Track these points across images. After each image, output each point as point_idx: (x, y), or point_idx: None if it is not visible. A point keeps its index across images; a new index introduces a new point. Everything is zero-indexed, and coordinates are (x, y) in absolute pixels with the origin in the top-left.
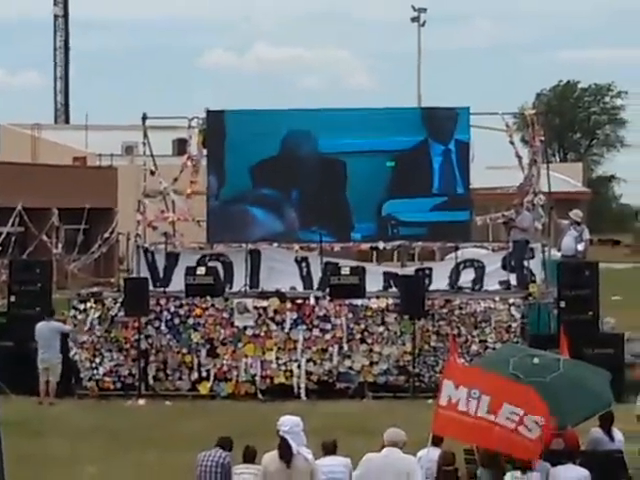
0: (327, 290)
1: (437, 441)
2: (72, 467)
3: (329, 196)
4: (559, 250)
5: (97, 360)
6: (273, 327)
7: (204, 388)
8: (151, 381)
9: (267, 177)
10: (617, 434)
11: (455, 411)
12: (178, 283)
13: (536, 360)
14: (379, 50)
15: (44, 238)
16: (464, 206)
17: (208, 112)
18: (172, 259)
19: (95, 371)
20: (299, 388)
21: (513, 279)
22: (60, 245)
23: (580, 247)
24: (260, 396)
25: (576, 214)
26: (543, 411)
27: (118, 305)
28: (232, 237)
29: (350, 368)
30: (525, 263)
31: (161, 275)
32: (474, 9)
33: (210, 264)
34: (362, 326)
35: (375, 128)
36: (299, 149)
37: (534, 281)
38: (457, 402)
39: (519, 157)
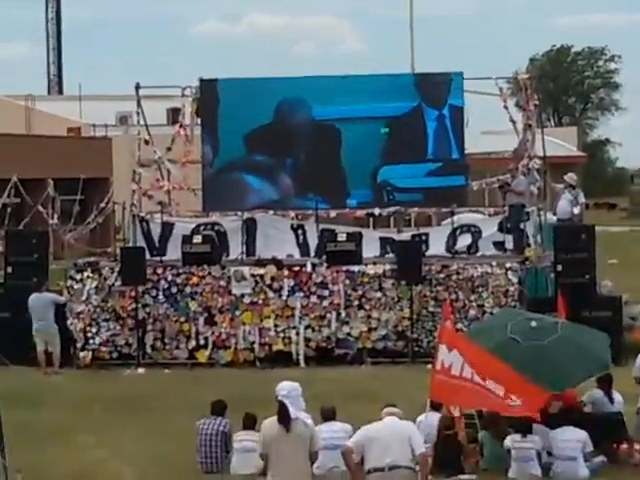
0: (324, 257)
1: (436, 405)
2: (71, 436)
3: (324, 163)
4: (554, 214)
5: (94, 330)
6: (270, 294)
7: (202, 356)
8: (149, 350)
9: (261, 145)
10: (617, 396)
11: (448, 375)
12: (174, 252)
13: (534, 323)
14: (372, 16)
15: (40, 209)
16: (459, 171)
17: (201, 81)
18: (167, 228)
19: (92, 341)
20: (298, 355)
21: (509, 241)
22: (56, 216)
23: (576, 210)
24: (259, 363)
25: (571, 177)
26: (524, 390)
27: (115, 275)
28: (227, 205)
29: (348, 334)
30: (521, 227)
31: (157, 244)
32: None
33: (205, 233)
34: (360, 292)
35: (369, 94)
36: (293, 117)
37: (530, 245)
38: (450, 366)
39: (513, 122)
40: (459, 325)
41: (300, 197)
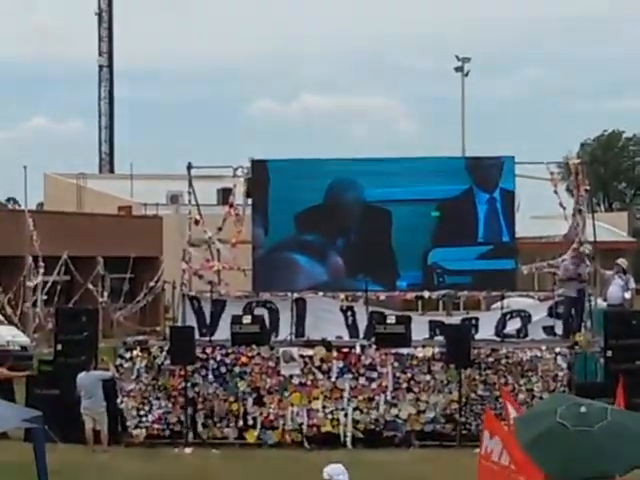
0: (373, 339)
1: None
2: None
3: (375, 244)
4: (605, 300)
5: (146, 408)
6: (319, 376)
7: (251, 436)
8: (199, 429)
9: (312, 225)
10: None
11: (489, 460)
12: (225, 330)
13: (583, 409)
14: (425, 98)
15: (90, 287)
16: (509, 255)
17: (253, 161)
18: (219, 306)
19: (144, 419)
20: (345, 437)
21: (558, 327)
22: (106, 293)
23: (627, 295)
24: (307, 445)
25: (622, 262)
26: None
27: (164, 353)
28: (278, 286)
29: (397, 416)
30: (573, 312)
31: (208, 322)
32: (517, 57)
33: (257, 311)
34: (408, 375)
35: (420, 177)
36: (344, 197)
37: (580, 330)
38: (491, 452)
39: (563, 207)
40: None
41: (350, 278)
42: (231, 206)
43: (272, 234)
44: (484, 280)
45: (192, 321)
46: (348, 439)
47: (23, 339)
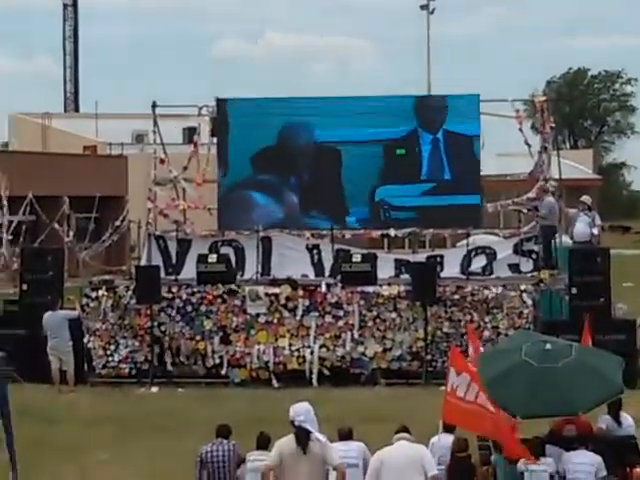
0: (339, 277)
1: (449, 428)
2: (83, 454)
3: (326, 183)
4: (571, 237)
5: (112, 347)
6: (285, 314)
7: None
8: (167, 367)
9: (267, 165)
10: (626, 419)
11: (456, 397)
12: (191, 269)
13: (548, 346)
14: (390, 37)
15: (55, 226)
16: (451, 191)
17: (217, 100)
18: (184, 246)
19: (110, 358)
20: (312, 374)
21: (523, 264)
22: (71, 233)
23: (595, 231)
24: (275, 383)
25: (587, 199)
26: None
27: (130, 293)
28: (237, 224)
29: (363, 354)
30: (539, 248)
31: (174, 261)
32: None
33: (222, 250)
34: (374, 313)
35: (369, 118)
36: (296, 139)
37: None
38: (456, 387)
39: (528, 144)
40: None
41: (304, 215)
42: (195, 145)
43: (231, 174)
44: (428, 215)
45: (158, 260)
46: (314, 376)
47: None
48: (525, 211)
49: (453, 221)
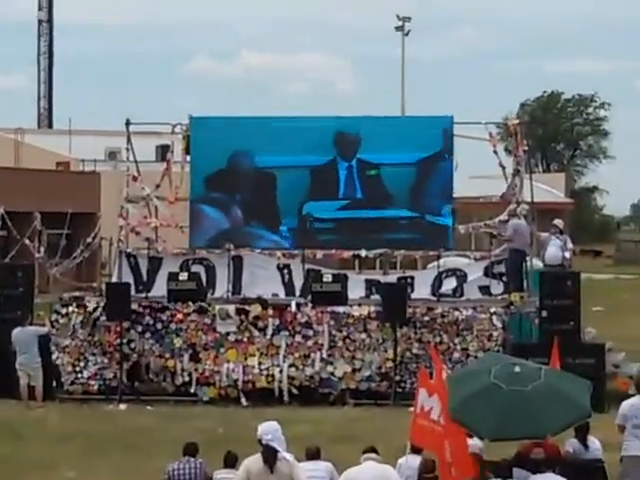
0: (309, 297)
1: (417, 448)
2: (51, 471)
3: (264, 200)
4: (543, 261)
5: (81, 364)
6: (255, 333)
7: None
8: (135, 385)
9: (218, 185)
10: (593, 443)
11: (428, 419)
12: (161, 287)
13: (517, 369)
14: (365, 57)
15: (26, 242)
16: (362, 207)
17: (191, 118)
18: (155, 263)
19: (80, 374)
20: (281, 392)
21: (494, 286)
22: (42, 249)
23: (567, 255)
24: (244, 401)
25: (559, 222)
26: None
27: (100, 309)
28: (194, 236)
29: (332, 374)
30: (514, 272)
31: (144, 279)
32: (460, 18)
33: (193, 268)
34: (344, 333)
35: (300, 147)
36: (241, 165)
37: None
38: (430, 410)
39: (502, 167)
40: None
41: (246, 225)
42: (168, 163)
43: (192, 190)
44: (344, 225)
45: (128, 278)
46: (284, 394)
47: None
48: (496, 234)
49: (364, 231)
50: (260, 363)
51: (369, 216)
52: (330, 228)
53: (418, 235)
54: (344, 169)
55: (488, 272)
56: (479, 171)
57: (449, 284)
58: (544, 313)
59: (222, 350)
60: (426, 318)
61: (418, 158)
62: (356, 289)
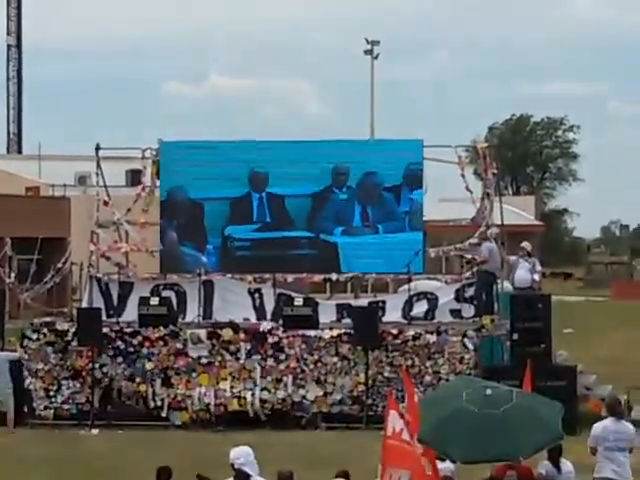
0: (280, 321)
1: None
2: None
3: (194, 225)
4: (512, 284)
5: (54, 388)
6: (227, 357)
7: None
8: (107, 409)
9: (162, 212)
10: (566, 465)
11: (399, 439)
12: (132, 312)
13: (489, 392)
14: (335, 80)
15: None
16: (273, 228)
17: (161, 143)
18: (126, 288)
19: (53, 399)
20: (253, 416)
21: (465, 310)
22: (13, 275)
23: (537, 277)
24: (215, 425)
25: (527, 245)
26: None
27: (71, 334)
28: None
29: (304, 398)
30: (484, 295)
31: (115, 304)
32: (428, 42)
33: (164, 293)
34: (316, 356)
35: (218, 181)
36: (177, 197)
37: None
38: (401, 431)
39: (469, 190)
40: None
41: (180, 244)
42: (143, 188)
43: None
44: (258, 244)
45: (99, 303)
46: (260, 415)
47: None
48: (468, 257)
49: (273, 248)
50: (232, 387)
51: (277, 236)
52: (247, 246)
53: (315, 251)
54: (256, 199)
55: (459, 295)
56: (449, 194)
57: (420, 307)
58: (515, 336)
59: (194, 374)
60: (397, 341)
61: (312, 191)
62: (327, 313)
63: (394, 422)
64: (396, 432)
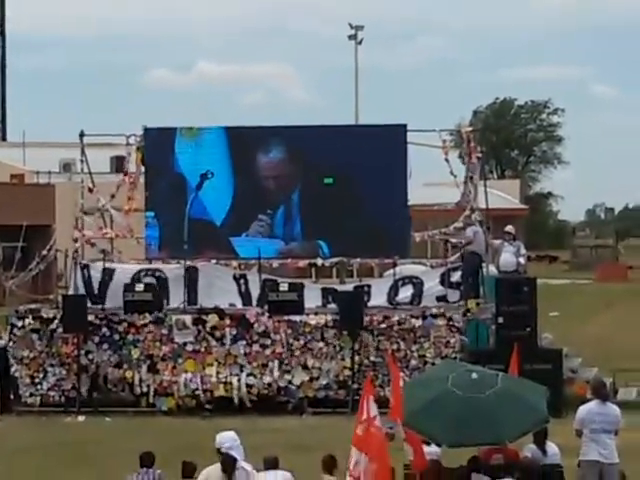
0: (266, 306)
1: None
2: None
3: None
4: (497, 267)
5: (40, 375)
6: (213, 343)
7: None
8: (93, 396)
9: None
10: (551, 448)
11: (374, 425)
12: (114, 298)
13: (474, 375)
14: (320, 66)
15: None
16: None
17: (145, 129)
18: (107, 275)
19: (39, 386)
20: (239, 402)
21: (450, 294)
22: None
23: (522, 260)
24: (204, 411)
25: (511, 229)
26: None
27: (57, 321)
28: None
29: (290, 383)
30: (470, 278)
31: (96, 291)
32: (412, 27)
33: (145, 280)
34: (302, 342)
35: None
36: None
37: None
38: (374, 417)
39: (454, 175)
40: (401, 374)
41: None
42: (126, 173)
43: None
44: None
45: (83, 290)
46: (246, 401)
47: None
48: (453, 241)
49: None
50: (218, 372)
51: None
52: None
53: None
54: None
55: (444, 279)
56: (434, 178)
57: (406, 292)
58: (500, 319)
59: (180, 360)
60: (383, 326)
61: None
62: (313, 298)
63: (370, 407)
64: (371, 417)
